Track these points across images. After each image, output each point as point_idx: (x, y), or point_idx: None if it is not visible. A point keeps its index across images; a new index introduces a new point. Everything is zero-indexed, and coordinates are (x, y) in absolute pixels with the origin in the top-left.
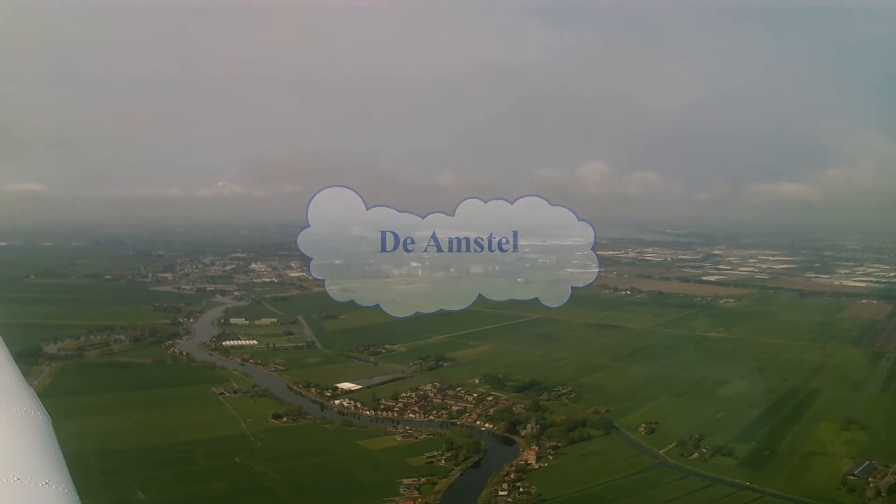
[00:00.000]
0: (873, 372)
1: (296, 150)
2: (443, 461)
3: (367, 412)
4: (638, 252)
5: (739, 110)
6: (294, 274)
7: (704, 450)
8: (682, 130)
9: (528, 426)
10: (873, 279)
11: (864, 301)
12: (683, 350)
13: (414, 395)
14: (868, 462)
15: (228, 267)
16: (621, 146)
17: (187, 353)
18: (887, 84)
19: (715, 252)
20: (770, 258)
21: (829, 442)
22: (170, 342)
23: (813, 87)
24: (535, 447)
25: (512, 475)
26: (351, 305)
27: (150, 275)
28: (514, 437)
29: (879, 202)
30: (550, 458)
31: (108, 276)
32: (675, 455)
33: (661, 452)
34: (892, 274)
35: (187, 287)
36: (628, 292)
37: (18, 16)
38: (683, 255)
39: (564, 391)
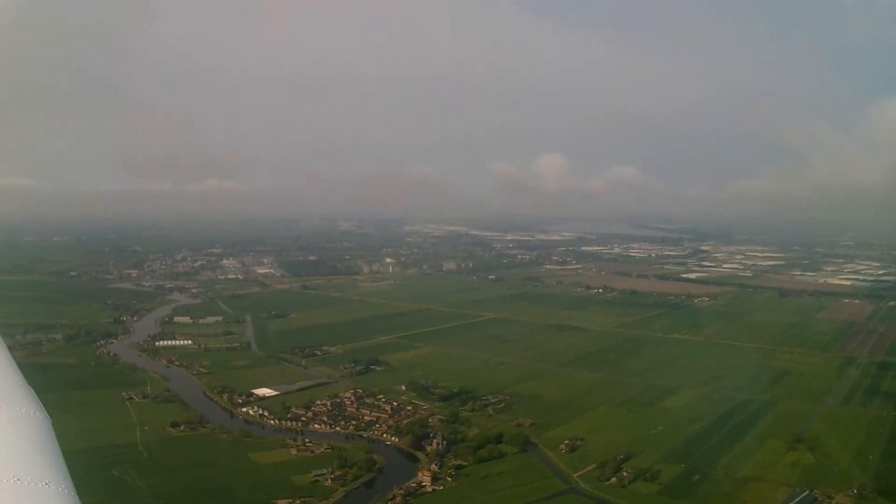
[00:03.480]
0: (838, 381)
1: (282, 145)
2: (329, 480)
3: (272, 421)
4: (624, 248)
5: (735, 108)
6: (262, 270)
7: (626, 473)
8: (677, 128)
9: (435, 441)
10: (860, 277)
11: (846, 300)
12: (639, 354)
13: (329, 403)
14: (808, 491)
15: (198, 263)
16: (616, 143)
17: (114, 354)
18: (879, 81)
19: (703, 248)
20: (759, 254)
21: (770, 464)
22: (102, 342)
23: (806, 86)
24: (434, 466)
25: (398, 499)
26: (305, 304)
27: (116, 271)
28: (419, 454)
29: (876, 199)
30: (449, 479)
31: (73, 273)
32: (591, 479)
33: (576, 475)
34: (881, 272)
35: (147, 284)
36: (600, 290)
37: (13, 11)
38: (670, 251)
39: (494, 400)
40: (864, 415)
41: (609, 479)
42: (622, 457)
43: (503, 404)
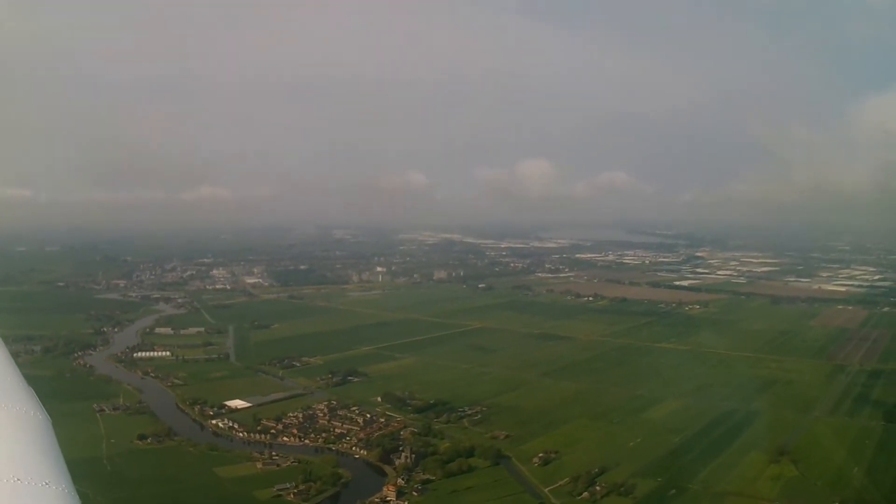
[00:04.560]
0: (827, 390)
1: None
2: (292, 495)
3: (241, 434)
4: (618, 255)
5: (729, 111)
6: (251, 280)
7: (599, 487)
8: (671, 131)
9: (403, 455)
10: (855, 283)
11: (840, 307)
12: (624, 364)
13: (301, 415)
14: None
15: (187, 273)
16: (611, 148)
17: (90, 366)
18: (875, 82)
19: (698, 254)
20: (754, 260)
21: (751, 478)
22: (80, 353)
23: (799, 88)
24: (401, 480)
25: None
26: (290, 314)
27: (104, 281)
28: (387, 467)
29: (874, 202)
30: (415, 494)
31: (61, 283)
32: (562, 493)
33: (547, 490)
34: (876, 277)
35: (134, 294)
36: (590, 298)
37: (8, 17)
38: (664, 257)
39: (470, 412)
40: (852, 425)
41: (581, 494)
42: (597, 470)
43: (479, 416)
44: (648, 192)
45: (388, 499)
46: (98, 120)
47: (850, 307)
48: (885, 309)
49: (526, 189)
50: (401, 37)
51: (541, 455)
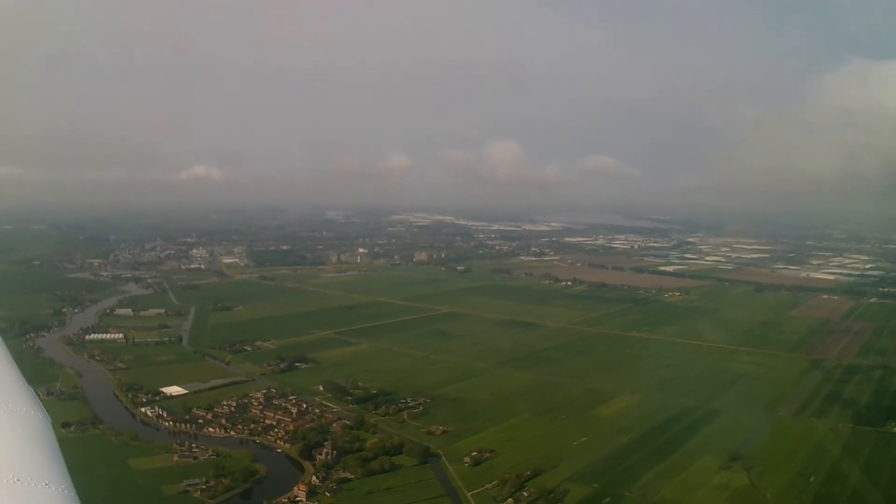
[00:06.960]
0: (797, 387)
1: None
2: (199, 492)
3: (168, 423)
4: (608, 239)
5: (728, 98)
6: (228, 260)
7: (527, 492)
8: (672, 120)
9: (325, 451)
10: (845, 271)
11: (825, 296)
12: (588, 353)
13: (235, 404)
14: None
15: (166, 252)
16: (610, 135)
17: (38, 348)
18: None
19: (689, 240)
20: (745, 247)
21: (695, 486)
22: (33, 335)
23: (798, 75)
24: (315, 479)
25: None
26: (257, 296)
27: (80, 261)
28: (307, 463)
29: (875, 190)
30: (328, 494)
31: (36, 262)
32: (486, 498)
33: (470, 493)
34: (867, 266)
35: (105, 274)
36: (568, 283)
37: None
38: (655, 242)
39: (412, 404)
40: (817, 427)
41: (506, 500)
42: (529, 473)
43: (421, 408)
44: (649, 178)
45: (298, 499)
46: (94, 102)
47: (836, 297)
48: (872, 300)
49: (529, 175)
50: (398, 27)
51: (474, 454)
